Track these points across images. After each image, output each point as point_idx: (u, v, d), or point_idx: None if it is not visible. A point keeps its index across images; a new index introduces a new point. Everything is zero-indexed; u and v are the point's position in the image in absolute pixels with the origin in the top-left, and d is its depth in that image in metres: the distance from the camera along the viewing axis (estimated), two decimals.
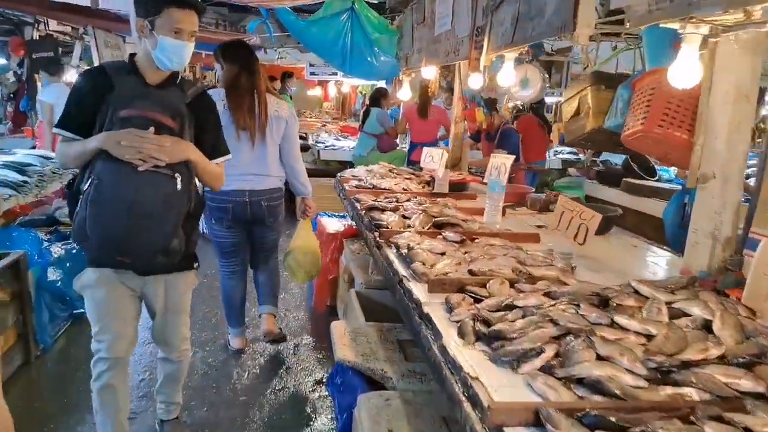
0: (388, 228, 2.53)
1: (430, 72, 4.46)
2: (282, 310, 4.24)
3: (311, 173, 7.68)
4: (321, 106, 17.02)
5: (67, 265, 3.49)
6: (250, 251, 3.52)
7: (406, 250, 2.14)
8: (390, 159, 6.68)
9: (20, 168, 3.87)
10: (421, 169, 4.32)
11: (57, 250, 3.57)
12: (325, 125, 11.49)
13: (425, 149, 4.62)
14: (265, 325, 3.63)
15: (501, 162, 2.83)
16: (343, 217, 5.10)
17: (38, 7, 6.02)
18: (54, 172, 4.14)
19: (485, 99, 5.42)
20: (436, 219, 2.62)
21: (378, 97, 6.68)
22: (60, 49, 6.01)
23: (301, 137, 9.30)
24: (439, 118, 6.37)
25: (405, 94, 5.30)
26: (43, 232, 3.91)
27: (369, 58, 4.84)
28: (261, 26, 4.88)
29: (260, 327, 3.70)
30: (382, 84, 8.39)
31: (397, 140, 6.80)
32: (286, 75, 8.51)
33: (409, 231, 2.46)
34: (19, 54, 6.14)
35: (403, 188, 3.86)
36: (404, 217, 2.72)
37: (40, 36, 6.24)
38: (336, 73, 9.24)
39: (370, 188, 3.78)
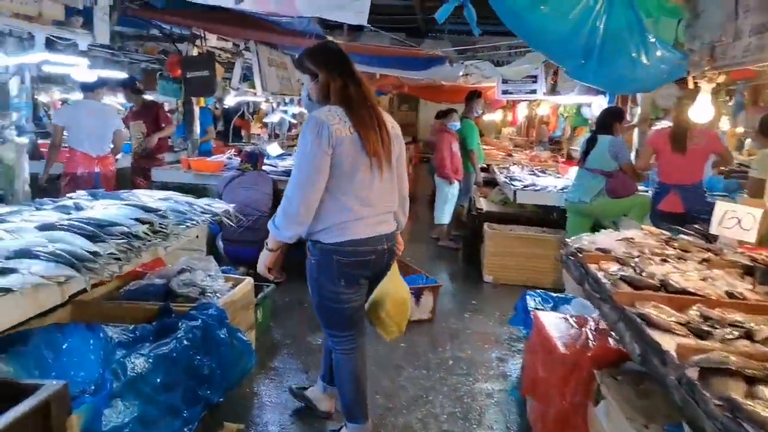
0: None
1: None
2: None
3: (503, 219, 6.12)
4: (499, 132, 15.26)
5: (147, 391, 2.17)
6: None
7: None
8: (626, 208, 4.71)
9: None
10: (710, 239, 2.77)
11: (138, 364, 2.21)
12: (510, 155, 9.72)
13: (719, 205, 2.82)
14: None
15: None
16: (567, 303, 3.30)
17: (194, 20, 5.22)
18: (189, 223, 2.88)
19: None
20: None
21: (610, 121, 4.76)
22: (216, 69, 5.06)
23: (483, 169, 7.77)
24: (709, 145, 4.26)
25: (702, 111, 3.36)
26: (142, 314, 2.71)
27: (634, 53, 2.98)
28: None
29: None
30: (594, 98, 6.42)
31: (637, 180, 4.79)
32: (474, 95, 6.94)
33: None
34: (175, 73, 5.39)
35: (726, 292, 2.06)
36: None
37: (199, 53, 5.43)
38: (534, 91, 7.44)
39: (654, 286, 2.04)
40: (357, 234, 2.34)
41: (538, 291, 3.60)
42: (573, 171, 5.53)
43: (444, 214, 6.85)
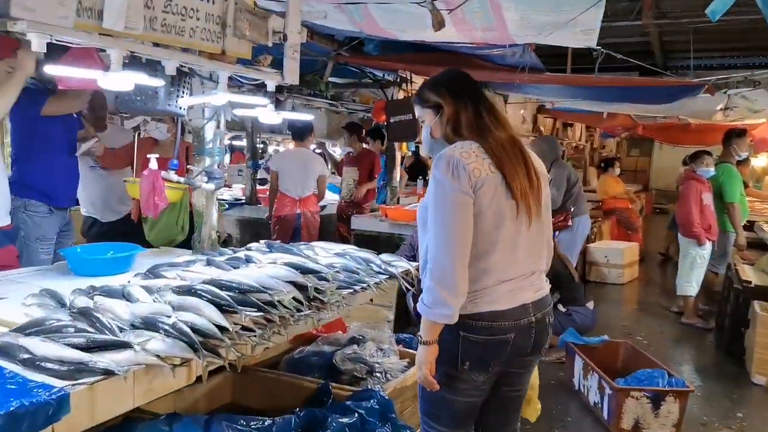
0: None
1: None
2: None
3: None
4: (758, 181, 12.47)
5: None
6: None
7: None
8: None
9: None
10: None
11: None
12: None
13: None
14: None
15: None
16: None
17: (403, 62, 4.96)
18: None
19: None
20: None
21: None
22: None
23: (746, 227, 6.06)
24: None
25: None
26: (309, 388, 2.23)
27: None
28: None
29: None
30: None
31: None
32: (735, 133, 5.48)
33: None
34: (380, 119, 5.18)
35: None
36: None
37: (405, 96, 5.14)
38: None
39: None
40: (497, 303, 1.83)
41: None
42: None
43: (690, 283, 5.41)
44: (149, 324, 1.69)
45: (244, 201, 6.20)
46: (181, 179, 2.98)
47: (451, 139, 1.90)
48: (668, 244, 8.63)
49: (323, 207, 6.37)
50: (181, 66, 2.50)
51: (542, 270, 1.97)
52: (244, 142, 7.08)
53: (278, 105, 5.40)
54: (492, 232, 1.81)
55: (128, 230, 3.90)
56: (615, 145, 14.92)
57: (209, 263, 2.49)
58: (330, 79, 5.67)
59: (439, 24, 2.88)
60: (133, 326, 1.72)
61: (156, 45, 2.29)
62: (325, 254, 2.84)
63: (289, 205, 5.04)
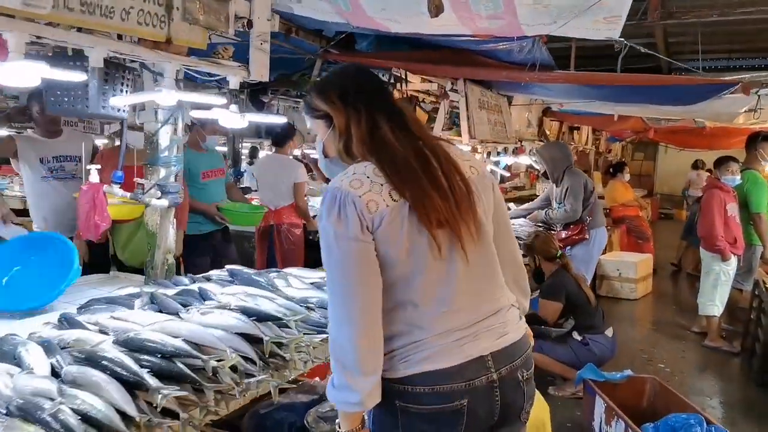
0: None
1: None
2: None
3: None
4: None
5: None
6: None
7: None
8: None
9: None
10: None
11: None
12: None
13: None
14: None
15: None
16: None
17: (398, 60, 4.47)
18: None
19: None
20: None
21: None
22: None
23: None
24: None
25: None
26: None
27: None
28: None
29: None
30: None
31: None
32: (760, 137, 5.01)
33: None
34: None
35: None
36: None
37: (400, 98, 4.65)
38: None
39: None
40: (436, 360, 1.36)
41: None
42: None
43: (713, 302, 4.90)
44: (27, 411, 1.20)
45: None
46: (127, 194, 2.49)
47: (346, 160, 1.46)
48: (680, 254, 8.14)
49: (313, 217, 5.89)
50: (115, 58, 2.02)
51: (506, 306, 1.48)
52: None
53: (262, 107, 4.92)
54: (411, 278, 1.37)
55: (91, 249, 3.39)
56: (620, 149, 14.44)
57: (152, 300, 2.02)
58: (319, 79, 5.20)
59: (436, 9, 2.40)
60: (8, 412, 1.23)
61: (80, 30, 1.81)
62: (299, 285, 2.37)
63: (265, 217, 4.55)
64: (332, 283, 1.35)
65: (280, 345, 1.69)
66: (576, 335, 3.72)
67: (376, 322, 1.33)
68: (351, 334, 1.31)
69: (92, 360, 1.38)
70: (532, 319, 3.64)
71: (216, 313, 1.72)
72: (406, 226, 1.33)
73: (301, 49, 4.69)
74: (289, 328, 1.74)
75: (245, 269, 2.67)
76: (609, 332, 3.78)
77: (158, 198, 2.55)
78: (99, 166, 2.56)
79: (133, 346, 1.46)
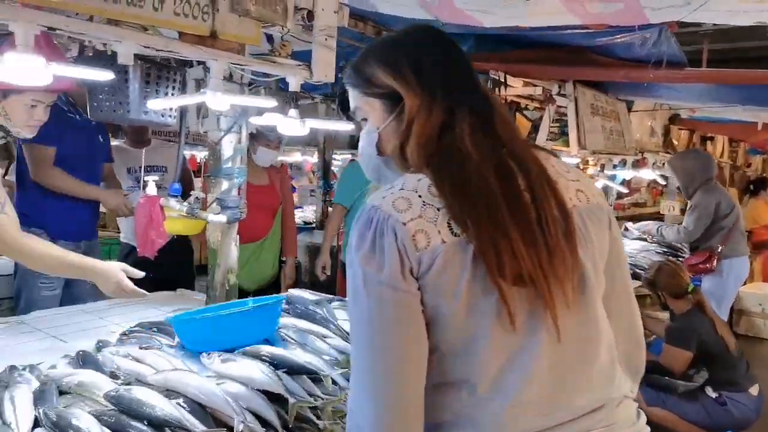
0: None
1: None
2: None
3: None
4: None
5: None
6: None
7: None
8: None
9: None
10: None
11: None
12: None
13: None
14: None
15: None
16: None
17: (499, 62, 4.01)
18: None
19: None
20: None
21: None
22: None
23: None
24: None
25: None
26: None
27: None
28: None
29: None
30: None
31: None
32: None
33: None
34: None
35: None
36: None
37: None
38: None
39: None
40: None
41: None
42: None
43: None
44: None
45: (314, 225, 5.55)
46: (183, 207, 2.29)
47: (398, 165, 1.04)
48: None
49: None
50: (167, 60, 1.80)
51: (616, 400, 1.00)
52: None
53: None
54: (469, 349, 0.93)
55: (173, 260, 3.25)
56: (761, 163, 12.69)
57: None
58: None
59: None
60: None
61: (109, 23, 1.59)
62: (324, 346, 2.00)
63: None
64: (356, 341, 0.96)
65: (314, 407, 1.33)
66: (710, 391, 3.00)
67: (412, 406, 0.92)
68: (373, 415, 0.91)
69: (64, 424, 1.11)
70: (655, 369, 3.00)
71: (239, 361, 1.40)
72: (469, 273, 0.91)
73: None
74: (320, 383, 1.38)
75: (308, 294, 2.37)
76: (754, 390, 3.02)
77: (217, 213, 2.32)
78: (157, 178, 2.38)
79: (122, 406, 1.17)
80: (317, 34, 2.07)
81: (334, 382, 1.44)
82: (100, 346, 1.86)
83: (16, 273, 2.79)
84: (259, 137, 3.32)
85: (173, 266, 3.28)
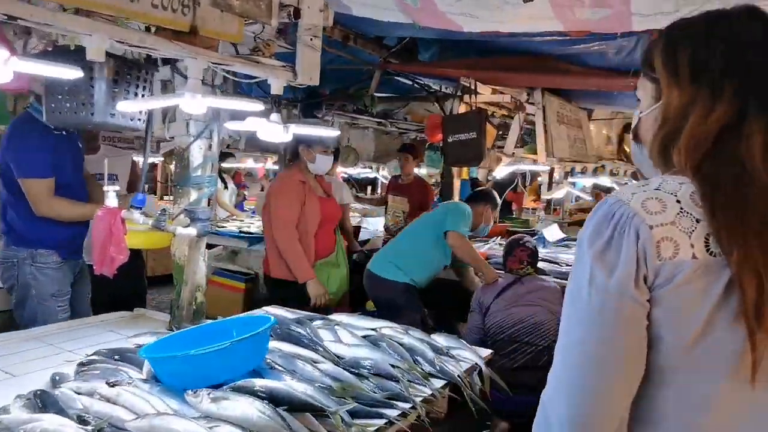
0: None
1: None
2: None
3: None
4: None
5: None
6: None
7: None
8: None
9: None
10: None
11: None
12: None
13: None
14: None
15: None
16: None
17: (467, 68, 3.96)
18: None
19: None
20: None
21: None
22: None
23: None
24: None
25: None
26: None
27: None
28: None
29: None
30: None
31: None
32: None
33: None
34: (435, 138, 4.18)
35: None
36: None
37: (467, 110, 4.13)
38: None
39: None
40: None
41: None
42: None
43: None
44: None
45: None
46: (149, 221, 2.07)
47: (656, 164, 0.91)
48: None
49: (365, 241, 5.40)
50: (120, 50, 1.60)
51: None
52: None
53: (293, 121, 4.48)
54: (688, 386, 0.81)
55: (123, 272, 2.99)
56: None
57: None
58: (378, 94, 4.77)
59: None
60: None
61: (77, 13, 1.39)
62: (350, 340, 1.88)
63: None
64: (567, 337, 0.85)
65: None
66: None
67: (608, 418, 0.83)
68: (565, 416, 0.82)
69: None
70: None
71: (232, 399, 1.23)
72: (715, 302, 0.78)
73: (359, 59, 4.28)
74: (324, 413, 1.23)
75: (288, 312, 2.22)
76: None
77: (186, 226, 2.12)
78: (117, 188, 2.16)
79: None
80: (302, 34, 1.92)
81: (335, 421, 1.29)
82: (57, 380, 1.64)
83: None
84: (314, 144, 3.17)
85: (124, 279, 3.02)
